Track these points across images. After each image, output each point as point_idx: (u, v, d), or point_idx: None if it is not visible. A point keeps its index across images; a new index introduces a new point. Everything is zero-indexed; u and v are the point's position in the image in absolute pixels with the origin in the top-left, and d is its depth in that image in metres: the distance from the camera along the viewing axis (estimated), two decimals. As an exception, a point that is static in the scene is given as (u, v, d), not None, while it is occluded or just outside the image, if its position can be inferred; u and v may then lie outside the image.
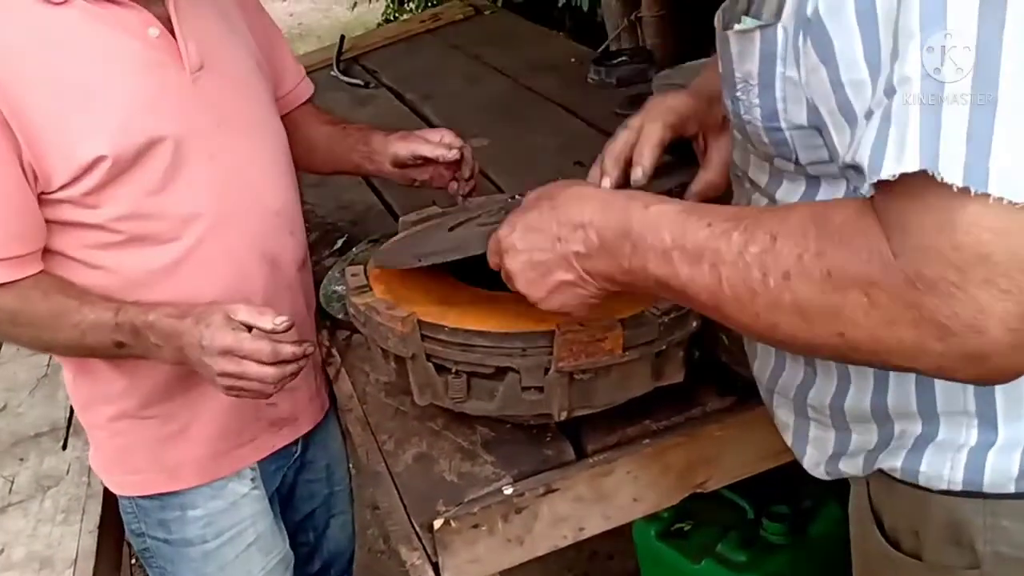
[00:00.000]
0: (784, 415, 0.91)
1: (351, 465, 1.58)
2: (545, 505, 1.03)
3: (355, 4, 6.47)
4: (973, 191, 0.54)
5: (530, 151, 1.89)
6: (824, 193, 0.76)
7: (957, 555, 0.78)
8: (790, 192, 0.79)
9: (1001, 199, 0.54)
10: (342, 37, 2.98)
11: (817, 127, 0.71)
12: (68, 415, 1.80)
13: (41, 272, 1.10)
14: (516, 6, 3.91)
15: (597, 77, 2.24)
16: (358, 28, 6.33)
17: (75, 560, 1.42)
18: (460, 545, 1.00)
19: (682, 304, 0.74)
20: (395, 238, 1.22)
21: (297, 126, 1.43)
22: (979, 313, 0.55)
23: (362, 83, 2.61)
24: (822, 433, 0.86)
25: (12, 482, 1.63)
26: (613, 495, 1.05)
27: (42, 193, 1.08)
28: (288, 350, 1.05)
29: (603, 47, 2.89)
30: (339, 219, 1.77)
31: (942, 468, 0.77)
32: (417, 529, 1.01)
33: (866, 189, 0.60)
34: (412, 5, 5.53)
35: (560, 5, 3.91)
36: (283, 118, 1.39)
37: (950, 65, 0.56)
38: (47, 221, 1.10)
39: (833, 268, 0.61)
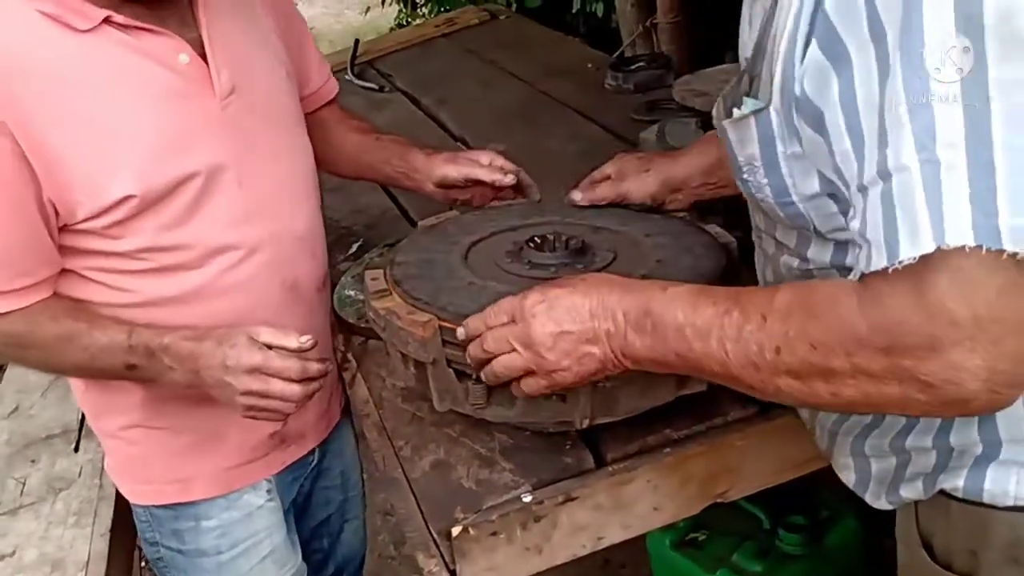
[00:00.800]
0: (844, 457, 0.90)
1: (363, 470, 1.57)
2: (564, 514, 1.01)
3: (368, 9, 6.48)
4: (984, 249, 0.59)
5: (547, 157, 1.88)
6: (852, 255, 0.79)
7: (1016, 574, 0.78)
8: (820, 251, 0.83)
9: (1015, 255, 0.58)
10: (356, 41, 2.98)
11: (830, 193, 0.75)
12: (80, 417, 1.80)
13: (52, 296, 1.09)
14: (530, 11, 3.91)
15: (614, 83, 2.23)
16: (370, 33, 6.34)
17: (87, 563, 1.41)
18: (478, 553, 0.99)
19: (698, 376, 0.82)
20: (406, 262, 1.20)
21: (321, 127, 1.40)
22: (953, 370, 0.62)
23: (377, 87, 2.60)
24: (883, 464, 0.87)
25: (24, 484, 1.63)
26: (633, 504, 1.04)
27: (65, 225, 1.06)
28: (315, 367, 1.07)
29: (618, 52, 2.89)
30: (354, 223, 1.76)
31: (1007, 484, 0.78)
32: (435, 536, 1.00)
33: (863, 264, 0.65)
34: (425, 10, 5.54)
35: (574, 11, 3.91)
36: (307, 117, 1.36)
37: (943, 144, 0.60)
38: (69, 247, 1.08)
39: (815, 341, 0.68)
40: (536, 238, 1.11)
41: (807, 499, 1.68)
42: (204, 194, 1.10)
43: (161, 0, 1.08)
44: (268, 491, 1.30)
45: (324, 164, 1.37)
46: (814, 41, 0.69)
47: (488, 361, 0.92)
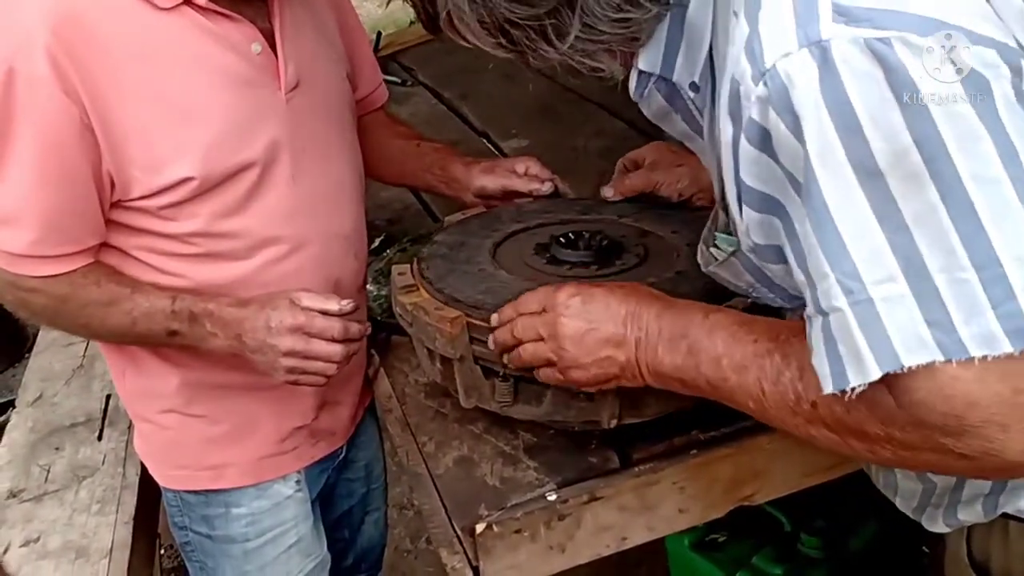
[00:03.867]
0: (911, 483, 0.89)
1: (384, 463, 1.58)
2: (589, 513, 1.01)
3: (389, 1, 6.46)
4: (955, 361, 0.60)
5: (572, 153, 1.88)
6: None
7: None
8: None
9: (985, 357, 0.60)
10: (379, 34, 2.98)
11: None
12: (103, 406, 1.81)
13: (95, 261, 1.09)
14: (553, 7, 3.88)
15: (639, 79, 2.20)
16: (389, 25, 6.28)
17: (110, 550, 1.42)
18: (502, 551, 0.99)
19: (727, 404, 0.82)
20: (439, 242, 1.20)
21: (368, 133, 1.40)
22: (988, 444, 0.61)
23: (399, 81, 2.60)
24: (944, 482, 0.85)
25: (48, 471, 1.64)
26: (658, 505, 1.04)
27: (119, 200, 1.06)
28: (355, 328, 1.10)
29: (642, 49, 2.85)
30: (376, 218, 1.76)
31: None
32: (459, 533, 1.00)
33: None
34: (446, 4, 5.50)
35: (597, 6, 3.88)
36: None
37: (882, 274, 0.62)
38: (120, 224, 1.09)
39: (851, 406, 0.68)
40: (570, 234, 1.11)
41: (829, 502, 1.66)
42: (259, 185, 1.11)
43: None
44: (297, 482, 1.31)
45: (367, 169, 1.37)
46: (744, 204, 0.73)
47: (514, 347, 0.92)
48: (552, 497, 1.01)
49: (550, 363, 0.89)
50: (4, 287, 1.08)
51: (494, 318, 0.95)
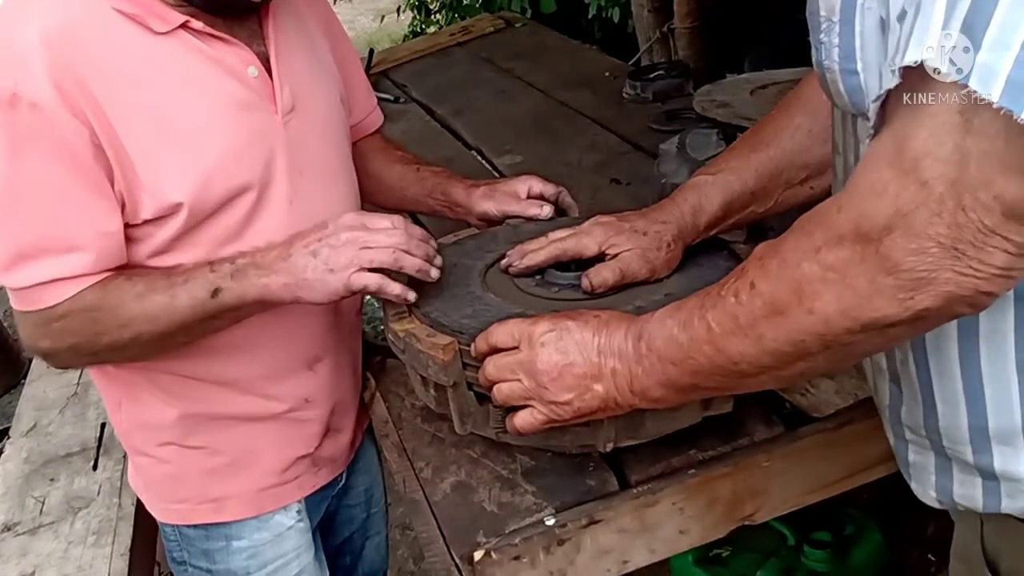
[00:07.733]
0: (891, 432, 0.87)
1: (384, 486, 1.56)
2: (588, 537, 1.00)
3: (383, 17, 6.49)
4: (953, 81, 0.55)
5: (565, 168, 1.87)
6: None
7: None
8: None
9: (973, 94, 0.54)
10: (371, 51, 2.98)
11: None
12: (98, 435, 1.79)
13: (112, 271, 1.05)
14: (544, 17, 3.90)
15: (632, 92, 2.21)
16: (384, 40, 6.34)
17: (106, 583, 1.41)
18: (501, 578, 0.97)
19: (696, 385, 0.80)
20: (446, 250, 1.19)
21: (364, 158, 1.38)
22: (916, 238, 0.59)
23: (392, 98, 2.59)
24: (921, 458, 0.82)
25: (43, 503, 1.62)
26: (658, 527, 1.02)
27: (127, 223, 1.04)
28: (418, 231, 1.07)
29: (635, 59, 2.87)
30: (370, 237, 1.75)
31: None
32: (457, 561, 0.99)
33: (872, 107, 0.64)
34: (439, 17, 5.55)
35: (590, 16, 3.90)
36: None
37: None
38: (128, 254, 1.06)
39: (786, 252, 0.68)
40: None
41: (832, 515, 1.65)
42: (255, 210, 1.09)
43: (237, 12, 1.08)
44: (298, 512, 1.29)
45: (366, 195, 1.34)
46: None
47: (493, 384, 0.92)
48: (550, 521, 0.99)
49: (527, 402, 0.89)
50: (34, 334, 1.04)
51: (474, 348, 0.95)
